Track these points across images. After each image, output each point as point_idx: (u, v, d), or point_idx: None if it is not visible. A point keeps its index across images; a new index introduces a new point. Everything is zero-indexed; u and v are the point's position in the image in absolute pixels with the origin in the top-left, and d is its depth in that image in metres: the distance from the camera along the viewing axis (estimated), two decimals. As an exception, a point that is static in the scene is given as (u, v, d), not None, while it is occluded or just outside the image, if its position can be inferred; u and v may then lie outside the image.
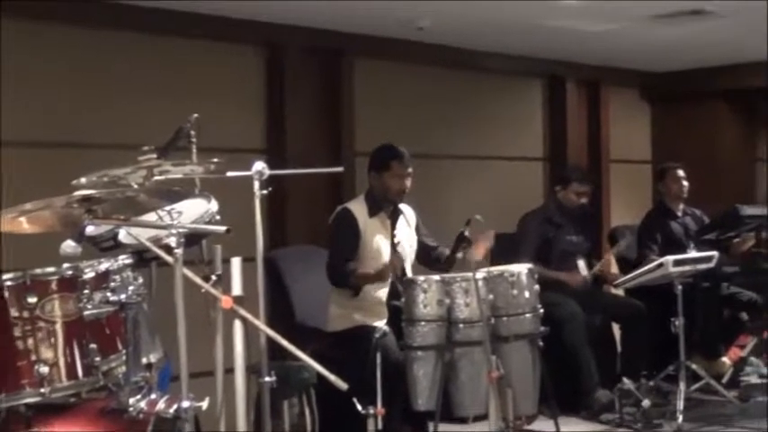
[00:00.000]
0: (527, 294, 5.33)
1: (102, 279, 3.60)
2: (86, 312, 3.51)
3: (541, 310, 5.40)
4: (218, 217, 4.23)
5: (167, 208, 3.68)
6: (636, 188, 9.44)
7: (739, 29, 7.57)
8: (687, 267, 6.45)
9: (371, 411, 4.92)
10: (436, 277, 5.28)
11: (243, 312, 3.52)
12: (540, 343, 5.37)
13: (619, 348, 7.16)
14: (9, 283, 3.49)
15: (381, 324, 5.39)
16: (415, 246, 5.81)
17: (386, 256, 5.60)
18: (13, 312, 3.47)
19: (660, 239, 7.42)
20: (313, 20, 6.80)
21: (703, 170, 8.69)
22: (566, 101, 8.95)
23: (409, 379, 5.22)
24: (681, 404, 6.24)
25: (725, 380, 7.02)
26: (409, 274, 5.66)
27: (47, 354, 3.48)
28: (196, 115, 4.60)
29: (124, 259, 3.74)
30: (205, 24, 6.41)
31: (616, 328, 7.26)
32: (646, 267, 6.50)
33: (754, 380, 7.39)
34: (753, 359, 7.46)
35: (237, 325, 3.69)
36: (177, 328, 3.41)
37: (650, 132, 9.98)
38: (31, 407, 3.53)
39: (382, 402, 4.93)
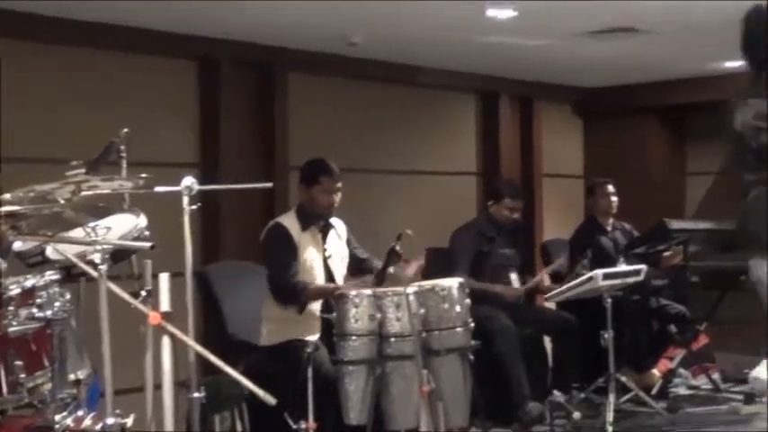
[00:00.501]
0: (458, 308, 5.37)
1: (28, 295, 3.58)
2: (11, 329, 3.48)
3: (472, 324, 5.43)
4: (147, 232, 4.22)
5: (93, 224, 3.66)
6: (568, 202, 9.53)
7: (670, 46, 7.70)
8: (616, 281, 6.53)
9: (303, 426, 4.94)
10: (368, 292, 5.30)
11: (171, 328, 3.51)
12: (471, 357, 5.40)
13: (550, 361, 7.23)
14: (-67, 299, 3.45)
15: (314, 338, 5.41)
16: (346, 259, 5.83)
17: (318, 269, 5.61)
18: (-61, 329, 3.43)
19: (590, 253, 7.49)
20: (246, 34, 6.80)
21: (634, 185, 8.82)
22: (499, 116, 9.03)
23: (341, 393, 5.24)
24: (610, 416, 6.32)
25: (654, 391, 7.12)
26: (341, 286, 5.66)
27: (-29, 370, 3.45)
28: (126, 130, 4.59)
29: (51, 275, 3.71)
30: (137, 38, 6.39)
31: (547, 341, 7.32)
32: (576, 281, 6.57)
33: (683, 391, 7.52)
34: (681, 371, 7.58)
35: (166, 341, 3.67)
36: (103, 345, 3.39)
37: (582, 147, 10.10)
38: (-44, 424, 3.49)
39: (314, 417, 4.95)
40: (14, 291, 3.54)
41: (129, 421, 3.61)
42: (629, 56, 8.00)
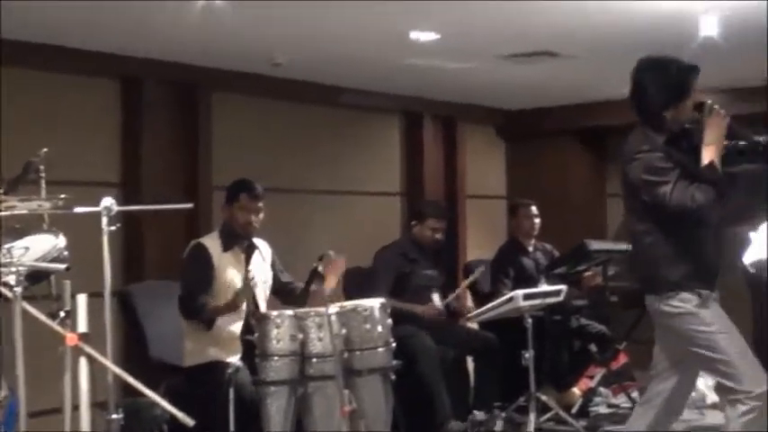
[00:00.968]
0: (380, 328, 5.39)
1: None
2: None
3: (394, 344, 5.46)
4: (66, 253, 4.19)
5: (9, 245, 3.63)
6: (491, 223, 9.62)
7: (590, 69, 7.83)
8: (536, 301, 6.61)
9: (224, 447, 4.92)
10: (289, 312, 5.31)
11: (88, 349, 3.49)
12: (393, 376, 5.43)
13: (472, 380, 7.28)
14: None
15: (235, 359, 5.41)
16: (270, 281, 5.83)
17: (240, 290, 5.60)
18: None
19: (512, 274, 7.59)
20: (170, 54, 6.78)
21: (556, 206, 8.94)
22: (423, 137, 9.10)
23: (263, 414, 5.23)
24: (532, 435, 6.40)
25: (574, 410, 7.20)
26: (264, 308, 5.67)
27: None
28: (45, 150, 4.55)
29: (-34, 297, 3.67)
30: (59, 57, 6.33)
31: (469, 361, 7.37)
32: (497, 301, 6.64)
33: (603, 410, 7.61)
34: (601, 390, 7.68)
35: (83, 362, 3.65)
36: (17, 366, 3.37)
37: (505, 168, 10.21)
38: None
39: (236, 438, 4.94)
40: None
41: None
42: (550, 79, 8.13)
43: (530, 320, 6.55)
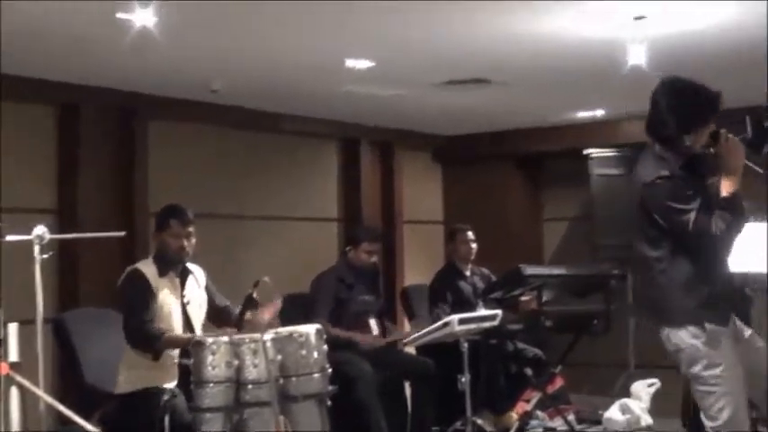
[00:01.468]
0: (316, 354, 5.40)
1: None
2: None
3: (330, 370, 5.48)
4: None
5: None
6: (429, 248, 9.69)
7: (524, 96, 7.96)
8: (472, 326, 6.66)
9: (160, 474, 4.90)
10: (225, 339, 5.30)
11: (19, 378, 3.48)
12: (329, 402, 5.44)
13: (409, 405, 7.31)
14: None
15: (171, 386, 5.39)
16: (205, 306, 5.83)
17: (176, 316, 5.60)
18: None
19: (450, 298, 7.65)
20: (107, 80, 6.78)
21: (494, 230, 9.03)
22: (360, 162, 9.17)
23: (199, 440, 5.21)
24: (468, 458, 6.44)
25: (511, 433, 7.27)
26: (199, 334, 5.65)
27: None
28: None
29: None
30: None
31: (407, 386, 7.41)
32: (433, 326, 6.68)
33: (540, 433, 7.69)
34: (538, 413, 7.75)
35: (13, 391, 3.64)
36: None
37: (442, 193, 10.29)
38: None
39: (171, 464, 4.92)
40: None
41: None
42: (486, 105, 8.24)
43: (466, 345, 6.60)
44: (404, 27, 5.75)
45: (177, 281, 5.67)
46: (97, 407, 5.48)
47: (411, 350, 7.68)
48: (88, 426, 3.47)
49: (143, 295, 5.50)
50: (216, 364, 5.21)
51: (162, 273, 5.60)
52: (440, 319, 6.92)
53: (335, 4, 5.15)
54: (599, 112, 8.77)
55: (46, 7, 4.97)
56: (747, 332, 4.39)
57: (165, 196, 6.76)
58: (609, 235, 8.75)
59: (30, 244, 4.12)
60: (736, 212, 4.15)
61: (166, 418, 5.01)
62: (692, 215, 4.11)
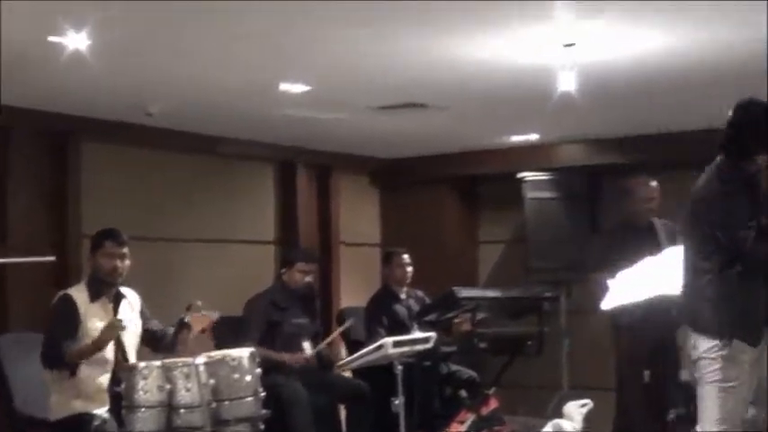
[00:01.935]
0: (248, 378, 5.41)
1: None
2: None
3: (263, 394, 5.49)
4: None
5: None
6: (366, 270, 9.71)
7: (460, 120, 8.03)
8: (406, 348, 6.68)
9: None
10: (157, 363, 5.29)
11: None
12: (262, 426, 5.45)
13: (344, 428, 7.33)
14: None
15: (102, 411, 5.36)
16: (139, 330, 5.81)
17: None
18: None
19: (386, 321, 7.68)
20: (40, 102, 6.74)
21: (430, 253, 9.09)
22: (297, 185, 9.17)
23: (130, 466, 5.19)
24: (402, 480, 6.45)
25: (446, 455, 7.30)
26: (132, 358, 5.64)
27: None
28: None
29: None
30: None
31: (341, 409, 7.43)
32: (367, 349, 6.71)
33: (474, 454, 7.73)
34: (472, 434, 7.80)
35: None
36: None
37: (379, 216, 10.33)
38: None
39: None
40: None
41: None
42: (422, 128, 8.30)
43: (400, 367, 6.62)
44: (340, 52, 5.79)
45: (110, 306, 5.64)
46: (27, 433, 5.45)
47: (346, 373, 7.70)
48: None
49: (67, 320, 5.46)
50: (147, 388, 5.20)
51: (93, 297, 5.57)
52: (375, 341, 6.95)
53: (270, 27, 5.19)
54: (533, 137, 8.88)
55: (-25, 30, 4.95)
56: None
57: (100, 220, 6.72)
58: (542, 257, 8.85)
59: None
60: None
61: (97, 444, 4.98)
62: (751, 233, 4.23)
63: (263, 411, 5.48)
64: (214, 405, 5.25)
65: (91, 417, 5.22)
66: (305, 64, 6.06)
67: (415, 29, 5.38)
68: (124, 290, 5.76)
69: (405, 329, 7.49)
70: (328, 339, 7.39)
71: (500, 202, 9.94)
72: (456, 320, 7.57)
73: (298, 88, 6.56)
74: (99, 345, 5.34)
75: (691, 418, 5.69)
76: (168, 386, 5.21)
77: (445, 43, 5.66)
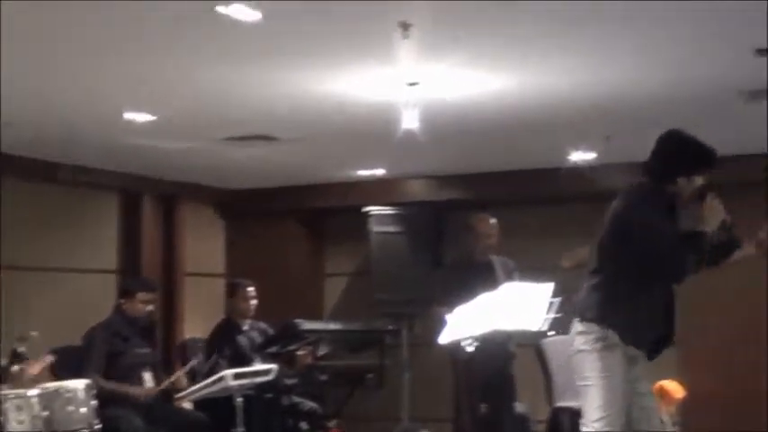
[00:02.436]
0: (84, 410, 5.36)
1: None
2: None
3: (99, 426, 5.42)
4: None
5: None
6: (210, 301, 9.64)
7: (307, 153, 8.10)
8: (247, 380, 6.70)
9: None
10: (-12, 394, 5.18)
11: None
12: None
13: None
14: None
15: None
16: (-31, 360, 5.66)
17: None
18: None
19: (227, 352, 7.65)
20: None
21: (276, 285, 9.08)
22: (141, 215, 9.08)
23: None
24: None
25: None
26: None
27: None
28: None
29: None
30: None
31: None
32: (206, 381, 6.69)
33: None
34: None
35: None
36: None
37: (225, 247, 10.30)
38: None
39: None
40: None
41: None
42: (271, 161, 8.34)
43: (240, 399, 6.63)
44: (186, 82, 5.79)
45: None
46: None
47: (187, 404, 7.63)
48: None
49: None
50: (-23, 420, 5.08)
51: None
52: (215, 373, 6.92)
53: (116, 55, 5.16)
54: (379, 171, 9.01)
55: None
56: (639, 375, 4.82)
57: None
58: (386, 291, 8.96)
59: None
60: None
61: None
62: (691, 258, 4.62)
63: (99, 443, 5.42)
64: (47, 437, 5.17)
65: None
66: (151, 93, 6.04)
67: (264, 62, 5.43)
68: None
69: (247, 361, 7.47)
70: (173, 378, 7.28)
71: (346, 236, 10.04)
72: (298, 353, 7.60)
73: (142, 117, 6.53)
74: None
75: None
76: (0, 418, 5.11)
77: (294, 77, 5.73)
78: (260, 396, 7.21)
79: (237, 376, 6.61)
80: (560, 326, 5.64)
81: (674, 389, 7.68)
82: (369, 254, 9.30)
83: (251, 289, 7.94)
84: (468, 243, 7.06)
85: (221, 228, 10.27)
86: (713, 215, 4.69)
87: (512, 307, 5.86)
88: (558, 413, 7.62)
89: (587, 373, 4.74)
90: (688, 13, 4.71)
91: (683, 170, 4.75)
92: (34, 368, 5.32)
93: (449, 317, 6.12)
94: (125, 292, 7.24)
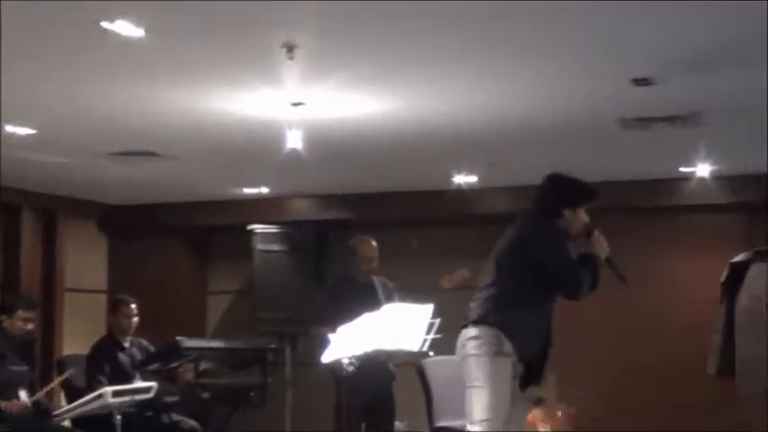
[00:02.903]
0: (-44, 427, 5.23)
1: None
2: None
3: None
4: None
5: None
6: (91, 317, 9.52)
7: (192, 170, 8.07)
8: (127, 398, 6.63)
9: None
10: None
11: None
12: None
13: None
14: None
15: None
16: None
17: None
18: None
19: (107, 369, 7.55)
20: None
21: (159, 302, 9.03)
22: (21, 229, 8.93)
23: None
24: None
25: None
26: None
27: None
28: None
29: None
30: None
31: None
32: (86, 398, 6.61)
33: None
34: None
35: None
36: None
37: (107, 263, 10.17)
38: None
39: None
40: None
41: None
42: (154, 177, 8.29)
43: (119, 417, 6.56)
44: (68, 96, 5.75)
45: None
46: None
47: (65, 422, 7.51)
48: None
49: None
50: None
51: None
52: (94, 390, 6.84)
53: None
54: (264, 189, 9.02)
55: None
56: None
57: None
58: (269, 309, 8.97)
59: None
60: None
61: None
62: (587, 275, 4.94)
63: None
64: None
65: None
66: (31, 107, 5.96)
67: (147, 79, 5.43)
68: None
69: (127, 378, 7.38)
70: (47, 388, 7.18)
71: (230, 253, 10.02)
72: (179, 370, 7.54)
73: (23, 130, 6.44)
74: None
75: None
76: None
77: (177, 94, 5.73)
78: (140, 414, 7.13)
79: (117, 393, 6.54)
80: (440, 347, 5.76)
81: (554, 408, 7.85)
82: (252, 272, 9.30)
83: (133, 306, 7.83)
84: (350, 264, 7.11)
85: (104, 243, 10.15)
86: (601, 250, 5.01)
87: (393, 327, 5.92)
88: (437, 432, 7.70)
89: (476, 376, 4.88)
90: (568, 43, 4.87)
91: (567, 203, 5.03)
92: None
93: (332, 336, 6.16)
94: (4, 309, 7.10)
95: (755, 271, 7.01)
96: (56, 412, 6.93)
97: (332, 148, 6.89)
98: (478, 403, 4.85)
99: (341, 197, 9.07)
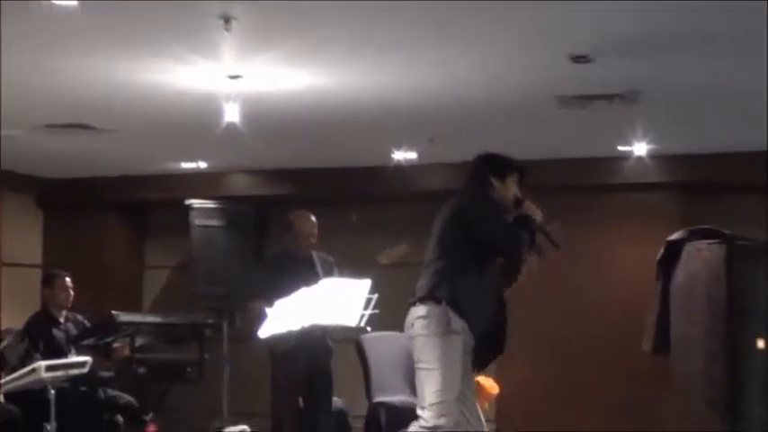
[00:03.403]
0: None
1: None
2: None
3: None
4: None
5: None
6: (27, 292, 9.41)
7: (127, 144, 7.99)
8: (60, 372, 6.57)
9: None
10: None
11: None
12: None
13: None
14: None
15: None
16: None
17: None
18: None
19: (42, 345, 7.47)
20: None
21: (94, 277, 8.96)
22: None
23: None
24: None
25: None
26: None
27: None
28: None
29: None
30: None
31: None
32: (17, 373, 6.53)
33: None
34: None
35: None
36: None
37: (42, 237, 10.06)
38: None
39: None
40: None
41: None
42: (90, 151, 8.20)
43: (53, 392, 6.49)
44: (1, 68, 5.64)
45: None
46: None
47: (-1, 398, 7.44)
48: None
49: None
50: None
51: None
52: (28, 364, 6.77)
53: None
54: (202, 164, 8.95)
55: None
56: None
57: None
58: (207, 284, 8.92)
59: None
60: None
61: None
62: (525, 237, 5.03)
63: None
64: None
65: None
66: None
67: (80, 50, 5.36)
68: None
69: (62, 353, 7.31)
70: None
71: (168, 228, 9.95)
72: (115, 345, 7.49)
73: (-43, 101, 6.34)
74: None
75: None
76: None
77: (110, 66, 5.67)
78: (74, 389, 7.09)
79: (51, 368, 6.47)
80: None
81: (490, 385, 7.86)
82: (190, 247, 9.23)
83: (67, 280, 7.77)
84: (289, 239, 7.08)
85: (40, 217, 10.04)
86: (535, 216, 5.08)
87: (330, 302, 5.90)
88: (376, 408, 7.70)
89: (426, 358, 4.91)
90: (507, 19, 4.87)
91: (494, 172, 5.13)
92: None
93: (269, 311, 6.13)
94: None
95: (691, 249, 7.12)
96: (-12, 387, 6.85)
97: (270, 122, 6.85)
98: (429, 386, 4.88)
99: (280, 172, 9.04)
